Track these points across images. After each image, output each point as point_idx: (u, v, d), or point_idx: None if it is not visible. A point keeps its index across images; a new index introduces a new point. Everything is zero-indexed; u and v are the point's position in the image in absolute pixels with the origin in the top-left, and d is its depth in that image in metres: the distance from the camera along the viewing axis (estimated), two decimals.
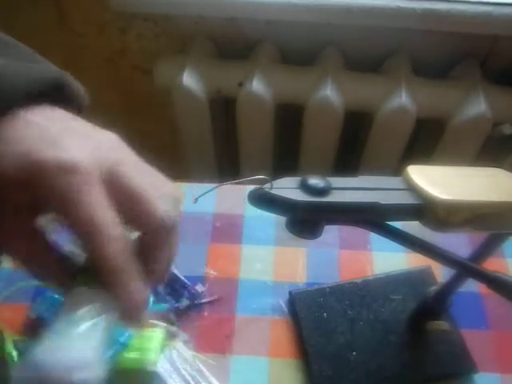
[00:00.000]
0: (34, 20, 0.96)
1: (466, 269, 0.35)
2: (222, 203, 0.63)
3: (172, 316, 0.52)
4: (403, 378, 0.48)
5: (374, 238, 0.59)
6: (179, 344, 0.49)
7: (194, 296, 0.53)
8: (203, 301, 0.53)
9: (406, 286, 0.54)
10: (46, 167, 0.23)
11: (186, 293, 0.53)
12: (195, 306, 0.53)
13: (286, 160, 1.07)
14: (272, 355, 0.50)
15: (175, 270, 0.55)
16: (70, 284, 0.27)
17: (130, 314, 0.25)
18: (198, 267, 0.57)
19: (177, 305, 0.52)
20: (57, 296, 0.52)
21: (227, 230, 0.60)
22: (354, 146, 1.06)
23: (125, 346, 0.48)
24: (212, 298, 0.53)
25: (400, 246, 0.33)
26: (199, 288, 0.53)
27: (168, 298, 0.53)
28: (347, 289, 0.54)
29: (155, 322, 0.52)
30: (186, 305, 0.52)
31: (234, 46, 0.93)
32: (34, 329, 0.51)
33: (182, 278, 0.54)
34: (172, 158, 1.20)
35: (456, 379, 0.49)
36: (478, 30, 0.79)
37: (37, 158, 0.23)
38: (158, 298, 0.53)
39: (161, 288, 0.53)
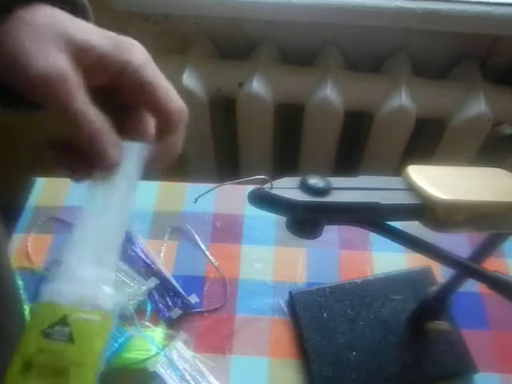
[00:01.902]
0: None
1: (466, 269, 0.35)
2: (222, 203, 0.63)
3: (163, 324, 0.52)
4: (403, 377, 0.48)
5: (374, 238, 0.59)
6: (179, 344, 0.49)
7: (187, 306, 0.53)
8: (196, 311, 0.53)
9: (406, 286, 0.54)
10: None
11: (179, 302, 0.53)
12: (187, 315, 0.53)
13: (286, 160, 1.07)
14: (272, 355, 0.50)
15: (171, 279, 0.55)
16: None
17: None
18: (198, 267, 0.57)
19: (169, 314, 0.52)
20: None
21: (227, 230, 0.60)
22: (353, 146, 1.06)
23: (125, 346, 0.48)
24: (204, 309, 0.53)
25: (400, 246, 0.33)
26: (192, 299, 0.53)
27: (161, 306, 0.53)
28: (347, 289, 0.54)
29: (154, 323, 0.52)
30: (178, 314, 0.52)
31: (234, 46, 0.93)
32: None
33: (178, 287, 0.54)
34: None
35: (456, 379, 0.49)
36: (478, 29, 0.79)
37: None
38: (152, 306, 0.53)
39: (155, 296, 0.53)
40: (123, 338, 0.48)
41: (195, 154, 1.04)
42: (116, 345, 0.47)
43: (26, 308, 0.51)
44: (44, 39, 0.27)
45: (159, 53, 0.92)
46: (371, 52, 0.90)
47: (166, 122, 0.31)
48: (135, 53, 0.31)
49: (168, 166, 0.33)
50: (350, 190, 0.31)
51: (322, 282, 0.55)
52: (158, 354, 0.48)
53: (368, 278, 0.55)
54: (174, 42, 0.95)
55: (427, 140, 0.97)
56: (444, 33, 0.82)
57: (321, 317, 0.51)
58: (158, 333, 0.50)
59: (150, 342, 0.49)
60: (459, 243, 0.57)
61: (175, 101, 0.32)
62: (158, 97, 0.31)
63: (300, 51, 0.91)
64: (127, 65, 0.30)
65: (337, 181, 0.31)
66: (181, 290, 0.54)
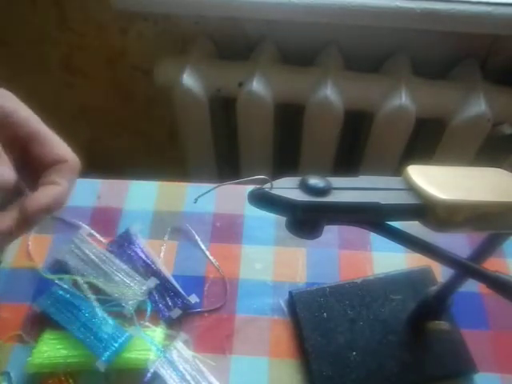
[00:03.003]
0: (34, 20, 0.96)
1: (466, 269, 0.35)
2: (222, 203, 0.63)
3: (163, 324, 0.52)
4: (403, 378, 0.48)
5: (374, 238, 0.59)
6: (179, 344, 0.49)
7: (187, 306, 0.53)
8: (196, 311, 0.53)
9: (406, 286, 0.54)
10: None
11: (179, 302, 0.53)
12: (187, 315, 0.53)
13: (286, 160, 1.07)
14: (272, 355, 0.50)
15: (171, 279, 0.55)
16: None
17: None
18: (198, 267, 0.57)
19: (169, 314, 0.52)
20: (61, 292, 0.52)
21: (227, 230, 0.60)
22: (353, 146, 1.06)
23: (124, 346, 0.48)
24: (204, 309, 0.53)
25: (400, 246, 0.33)
26: (192, 299, 0.53)
27: (161, 306, 0.53)
28: (347, 289, 0.54)
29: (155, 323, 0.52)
30: (178, 314, 0.52)
31: (234, 46, 0.93)
32: (35, 327, 0.51)
33: (178, 287, 0.54)
34: (172, 158, 1.20)
35: (456, 379, 0.49)
36: (478, 29, 0.79)
37: None
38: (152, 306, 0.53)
39: (155, 296, 0.53)
40: (123, 338, 0.48)
41: (195, 154, 1.04)
42: (116, 345, 0.47)
43: None
44: None
45: (159, 53, 0.92)
46: (371, 52, 0.90)
47: (57, 169, 0.30)
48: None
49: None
50: (349, 190, 0.31)
51: (321, 282, 0.55)
52: (158, 354, 0.48)
53: (368, 278, 0.55)
54: (174, 41, 0.95)
55: (427, 140, 0.97)
56: (444, 33, 0.82)
57: (321, 317, 0.51)
58: (157, 333, 0.50)
59: (149, 342, 0.49)
60: (459, 243, 0.57)
61: (67, 148, 0.31)
62: (50, 144, 0.30)
63: (300, 51, 0.91)
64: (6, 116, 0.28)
65: (337, 181, 0.31)
66: (181, 289, 0.54)
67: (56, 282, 0.53)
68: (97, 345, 0.47)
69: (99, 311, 0.50)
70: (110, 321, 0.50)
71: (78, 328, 0.49)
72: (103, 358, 0.46)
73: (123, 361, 0.48)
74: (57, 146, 0.30)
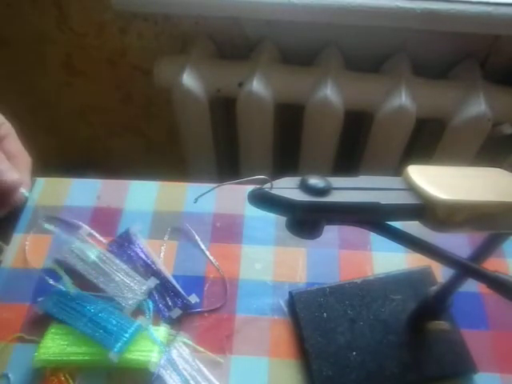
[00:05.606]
0: (34, 20, 0.96)
1: (466, 269, 0.35)
2: (222, 203, 0.63)
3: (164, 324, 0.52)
4: (403, 378, 0.48)
5: (374, 238, 0.59)
6: (179, 344, 0.49)
7: (187, 306, 0.53)
8: (196, 311, 0.53)
9: (406, 286, 0.54)
10: None
11: (179, 302, 0.53)
12: (187, 315, 0.53)
13: (286, 160, 1.07)
14: (272, 355, 0.50)
15: (171, 279, 0.54)
16: None
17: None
18: (198, 267, 0.57)
19: (169, 314, 0.52)
20: (62, 292, 0.52)
21: (227, 230, 0.60)
22: (354, 145, 1.06)
23: (135, 336, 0.48)
24: (204, 309, 0.53)
25: (400, 246, 0.33)
26: (192, 299, 0.53)
27: (161, 306, 0.53)
28: (347, 289, 0.54)
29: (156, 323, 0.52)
30: (178, 314, 0.52)
31: (234, 46, 0.93)
32: (36, 327, 0.51)
33: (178, 287, 0.54)
34: (172, 158, 1.20)
35: (456, 379, 0.49)
36: (478, 29, 0.79)
37: None
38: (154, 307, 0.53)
39: (155, 296, 0.53)
40: (133, 328, 0.48)
41: (195, 154, 1.04)
42: (127, 335, 0.47)
43: None
44: None
45: (159, 53, 0.92)
46: (371, 52, 0.90)
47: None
48: None
49: None
50: (350, 189, 0.31)
51: (321, 282, 0.55)
52: (158, 354, 0.48)
53: (368, 278, 0.55)
54: (173, 41, 0.95)
55: (427, 140, 0.97)
56: (444, 33, 0.82)
57: (321, 317, 0.51)
58: (161, 331, 0.50)
59: (155, 339, 0.48)
60: (459, 243, 0.57)
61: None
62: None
63: (300, 51, 0.91)
64: None
65: (337, 181, 0.31)
66: (181, 289, 0.54)
67: (56, 282, 0.53)
68: (107, 337, 0.47)
69: (105, 305, 0.50)
70: (117, 313, 0.50)
71: (85, 324, 0.48)
72: (115, 350, 0.46)
73: (124, 361, 0.48)
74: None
